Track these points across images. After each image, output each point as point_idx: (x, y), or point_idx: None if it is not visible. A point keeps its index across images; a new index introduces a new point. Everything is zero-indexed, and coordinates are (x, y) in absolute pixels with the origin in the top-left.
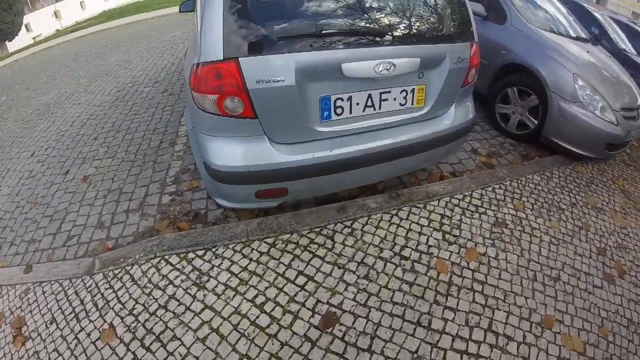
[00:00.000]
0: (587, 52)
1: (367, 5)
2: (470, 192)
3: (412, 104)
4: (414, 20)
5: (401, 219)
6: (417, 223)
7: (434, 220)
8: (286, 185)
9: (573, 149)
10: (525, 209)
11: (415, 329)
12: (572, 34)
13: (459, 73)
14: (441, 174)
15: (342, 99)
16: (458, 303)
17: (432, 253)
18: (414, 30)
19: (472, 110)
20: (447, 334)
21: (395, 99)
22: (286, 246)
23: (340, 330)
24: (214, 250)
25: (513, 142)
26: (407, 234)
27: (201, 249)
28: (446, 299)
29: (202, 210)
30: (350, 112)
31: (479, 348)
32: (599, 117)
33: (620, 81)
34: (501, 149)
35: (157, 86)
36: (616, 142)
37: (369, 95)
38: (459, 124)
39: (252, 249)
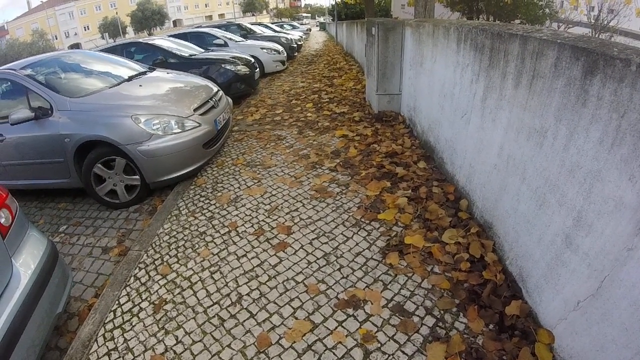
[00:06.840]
0: (140, 85)
1: None
2: (117, 301)
3: None
4: None
5: None
6: None
7: None
8: None
9: (179, 173)
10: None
11: None
12: (125, 77)
13: None
14: (89, 306)
15: None
16: None
17: None
18: None
19: (43, 239)
20: None
21: None
22: None
23: None
24: None
25: (135, 207)
26: None
27: None
28: None
29: None
30: None
31: None
32: (180, 132)
33: (183, 89)
34: (128, 223)
35: None
36: (210, 138)
37: None
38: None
39: None
